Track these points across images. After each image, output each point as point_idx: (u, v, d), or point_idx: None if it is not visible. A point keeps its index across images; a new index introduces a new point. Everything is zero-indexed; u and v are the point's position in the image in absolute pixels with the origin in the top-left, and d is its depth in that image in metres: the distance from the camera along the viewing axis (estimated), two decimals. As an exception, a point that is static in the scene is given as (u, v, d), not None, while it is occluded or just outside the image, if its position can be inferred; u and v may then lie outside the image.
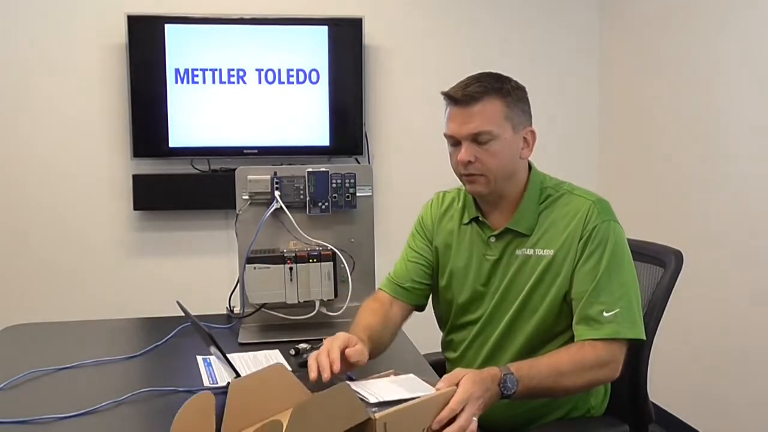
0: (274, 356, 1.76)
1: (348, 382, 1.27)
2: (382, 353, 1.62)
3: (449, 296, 1.72)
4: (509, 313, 1.59)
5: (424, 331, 1.88)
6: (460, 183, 1.65)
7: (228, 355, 1.46)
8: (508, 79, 1.58)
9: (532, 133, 1.60)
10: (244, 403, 1.13)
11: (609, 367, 1.48)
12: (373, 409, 1.15)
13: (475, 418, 1.24)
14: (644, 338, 1.52)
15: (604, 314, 1.47)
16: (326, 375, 1.34)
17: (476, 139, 1.53)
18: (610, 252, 1.51)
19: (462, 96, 1.53)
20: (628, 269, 1.54)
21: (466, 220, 1.69)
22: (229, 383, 1.26)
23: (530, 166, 1.65)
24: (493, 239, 1.63)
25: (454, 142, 1.57)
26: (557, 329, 1.57)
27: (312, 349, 1.78)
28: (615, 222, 1.56)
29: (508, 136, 1.54)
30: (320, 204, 2.01)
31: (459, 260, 1.69)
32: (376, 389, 1.23)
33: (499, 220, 1.63)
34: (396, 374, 1.35)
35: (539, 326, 1.57)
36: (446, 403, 1.21)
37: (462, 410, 1.23)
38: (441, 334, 1.81)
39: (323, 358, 1.37)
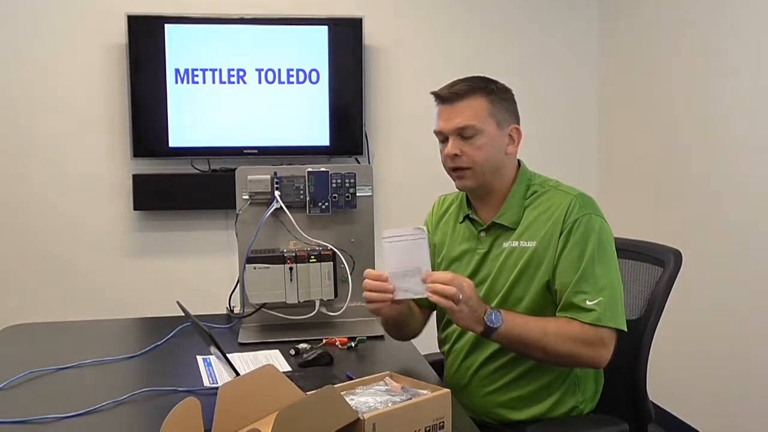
0: (274, 356, 1.76)
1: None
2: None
3: None
4: (494, 302, 1.64)
5: (423, 331, 1.88)
6: None
7: (228, 355, 1.46)
8: (494, 81, 1.67)
9: (517, 130, 1.67)
10: (234, 406, 1.12)
11: (594, 349, 1.53)
12: (363, 411, 1.15)
13: (457, 306, 1.45)
14: (625, 329, 1.56)
15: (587, 302, 1.53)
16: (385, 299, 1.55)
17: (461, 133, 1.62)
18: (594, 244, 1.56)
19: (448, 94, 1.63)
20: (611, 261, 1.58)
21: (460, 219, 1.76)
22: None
23: (520, 165, 1.72)
24: (483, 234, 1.70)
25: (443, 138, 1.66)
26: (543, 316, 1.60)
27: (312, 349, 1.78)
28: (597, 215, 1.60)
29: (492, 131, 1.63)
30: (320, 204, 2.01)
31: (454, 256, 1.75)
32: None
33: (487, 215, 1.70)
34: (392, 376, 1.35)
35: (526, 314, 1.59)
36: (436, 407, 1.22)
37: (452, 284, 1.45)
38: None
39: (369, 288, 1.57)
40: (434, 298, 1.48)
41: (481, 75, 1.68)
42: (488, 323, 1.50)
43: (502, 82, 1.68)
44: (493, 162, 1.64)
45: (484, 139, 1.61)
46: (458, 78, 1.66)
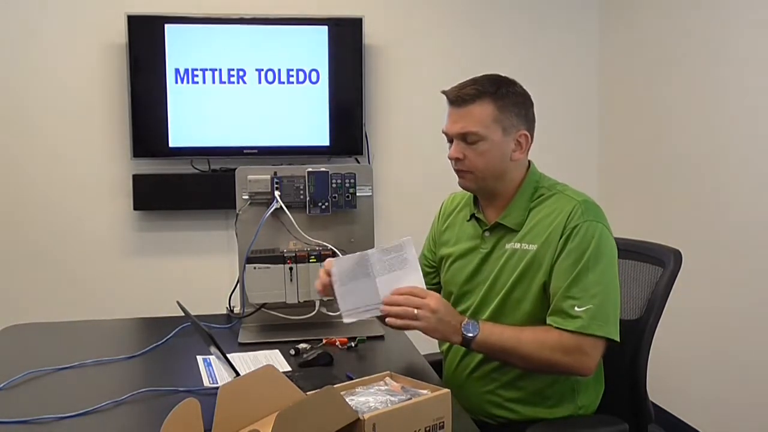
0: (274, 356, 1.76)
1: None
2: None
3: (449, 289, 1.78)
4: (494, 303, 1.64)
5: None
6: None
7: (228, 355, 1.46)
8: (507, 83, 1.64)
9: (526, 136, 1.65)
10: (234, 406, 1.13)
11: (573, 357, 1.52)
12: (363, 411, 1.15)
13: (420, 321, 1.51)
14: (617, 339, 1.55)
15: (576, 309, 1.52)
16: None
17: (464, 138, 1.62)
18: (590, 251, 1.55)
19: (455, 97, 1.62)
20: (607, 270, 1.56)
21: (467, 217, 1.77)
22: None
23: (530, 166, 1.71)
24: (487, 233, 1.70)
25: (449, 138, 1.66)
26: (543, 320, 1.60)
27: (312, 349, 1.79)
28: (599, 223, 1.59)
29: (497, 138, 1.61)
30: (320, 204, 2.01)
31: (457, 254, 1.75)
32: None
33: (492, 216, 1.70)
34: (392, 376, 1.35)
35: (525, 317, 1.61)
36: (436, 407, 1.22)
37: (423, 299, 1.51)
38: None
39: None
40: (390, 320, 1.54)
41: (497, 75, 1.66)
42: (464, 332, 1.53)
43: (520, 84, 1.66)
44: (495, 168, 1.63)
45: (486, 146, 1.61)
46: (472, 77, 1.64)
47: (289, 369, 1.67)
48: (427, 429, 1.20)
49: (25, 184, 3.45)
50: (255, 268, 1.91)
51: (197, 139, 3.45)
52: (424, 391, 1.27)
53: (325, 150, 3.51)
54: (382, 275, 1.60)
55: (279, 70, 3.46)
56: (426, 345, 1.88)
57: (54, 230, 3.48)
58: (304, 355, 1.74)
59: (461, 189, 1.74)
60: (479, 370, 1.67)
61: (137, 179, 3.42)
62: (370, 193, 2.06)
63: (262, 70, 3.45)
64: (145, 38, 3.37)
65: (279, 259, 1.92)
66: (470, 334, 1.53)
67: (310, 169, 2.02)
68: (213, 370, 1.65)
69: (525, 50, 3.75)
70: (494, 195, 1.68)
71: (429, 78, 3.55)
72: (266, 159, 3.36)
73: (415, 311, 1.51)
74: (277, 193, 1.99)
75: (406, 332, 1.89)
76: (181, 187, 3.46)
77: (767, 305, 2.61)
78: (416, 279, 1.61)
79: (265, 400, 1.16)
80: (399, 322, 1.53)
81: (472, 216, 1.74)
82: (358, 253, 1.65)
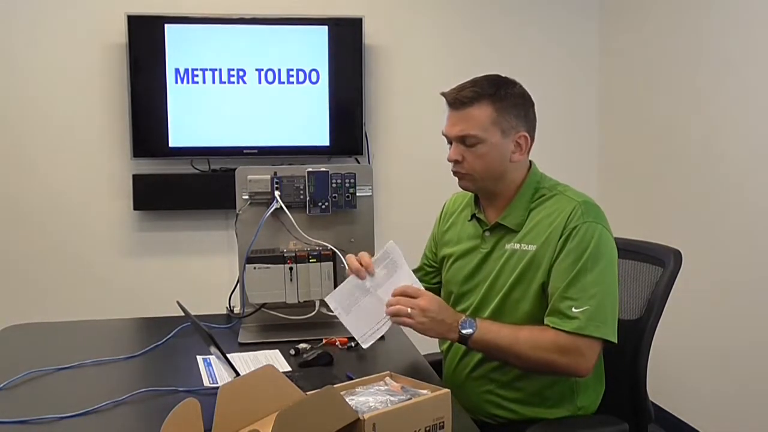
0: (274, 356, 1.76)
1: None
2: None
3: (449, 288, 1.79)
4: (493, 303, 1.65)
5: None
6: None
7: (228, 355, 1.46)
8: (507, 85, 1.64)
9: (526, 137, 1.65)
10: (234, 406, 1.13)
11: (570, 358, 1.52)
12: (363, 411, 1.15)
13: (414, 320, 1.54)
14: (614, 340, 1.55)
15: (573, 310, 1.52)
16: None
17: (463, 141, 1.62)
18: (589, 252, 1.55)
19: (453, 99, 1.62)
20: (606, 271, 1.56)
21: (468, 217, 1.77)
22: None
23: (531, 166, 1.71)
24: (487, 233, 1.70)
25: (448, 140, 1.67)
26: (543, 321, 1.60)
27: (312, 349, 1.79)
28: (598, 224, 1.58)
29: (496, 140, 1.61)
30: (320, 204, 2.01)
31: (458, 254, 1.76)
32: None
33: (493, 216, 1.71)
34: (392, 376, 1.35)
35: (525, 318, 1.61)
36: (436, 407, 1.22)
37: (415, 299, 1.55)
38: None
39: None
40: (393, 319, 1.59)
41: (497, 75, 1.66)
42: (461, 329, 1.54)
43: (520, 84, 1.66)
44: (494, 170, 1.64)
45: (485, 148, 1.61)
46: (471, 78, 1.64)
47: (289, 369, 1.67)
48: (427, 429, 1.20)
49: (25, 184, 3.45)
50: (255, 268, 1.91)
51: (197, 139, 3.45)
52: (424, 391, 1.27)
53: (325, 150, 3.51)
54: (382, 286, 1.63)
55: (279, 70, 3.46)
56: (426, 345, 1.88)
57: (54, 230, 3.48)
58: (304, 355, 1.74)
59: (452, 191, 1.74)
60: (478, 370, 1.67)
61: (137, 179, 3.42)
62: (370, 193, 2.06)
63: (262, 70, 3.45)
64: (145, 38, 3.37)
65: (279, 259, 1.92)
66: (466, 331, 1.54)
67: (310, 169, 2.02)
68: (213, 370, 1.65)
69: (525, 50, 3.75)
70: (494, 195, 1.69)
71: (429, 78, 3.55)
72: (266, 159, 3.36)
73: (408, 310, 1.54)
74: (277, 193, 1.99)
75: (406, 332, 1.89)
76: (181, 187, 3.46)
77: (767, 305, 2.61)
78: (408, 278, 1.65)
79: (265, 400, 1.16)
80: (397, 319, 1.57)
81: (473, 216, 1.75)
82: (348, 278, 1.67)
